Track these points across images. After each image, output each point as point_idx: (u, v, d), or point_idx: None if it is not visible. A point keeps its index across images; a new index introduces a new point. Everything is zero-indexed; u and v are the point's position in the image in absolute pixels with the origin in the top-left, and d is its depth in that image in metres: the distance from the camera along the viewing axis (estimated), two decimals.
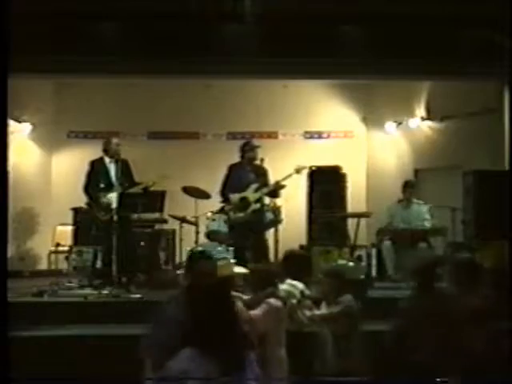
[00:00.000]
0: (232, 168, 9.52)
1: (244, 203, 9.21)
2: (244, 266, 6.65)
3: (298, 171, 9.45)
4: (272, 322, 5.09)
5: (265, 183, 9.29)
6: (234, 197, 9.30)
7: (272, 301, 5.16)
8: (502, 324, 5.12)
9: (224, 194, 9.45)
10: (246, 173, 9.39)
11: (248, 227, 9.23)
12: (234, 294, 5.03)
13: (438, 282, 5.67)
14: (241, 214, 9.22)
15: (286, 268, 5.92)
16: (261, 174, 9.38)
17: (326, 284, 5.65)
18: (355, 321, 5.51)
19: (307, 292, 5.75)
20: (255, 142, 9.85)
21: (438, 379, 4.67)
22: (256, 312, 5.08)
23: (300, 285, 5.68)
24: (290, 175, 9.48)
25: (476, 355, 4.97)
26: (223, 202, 9.43)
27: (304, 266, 6.17)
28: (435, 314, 5.16)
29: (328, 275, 5.72)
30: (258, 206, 9.20)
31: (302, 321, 5.49)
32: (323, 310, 5.53)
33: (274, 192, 9.33)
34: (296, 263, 6.02)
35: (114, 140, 9.37)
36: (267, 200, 9.38)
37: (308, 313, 5.51)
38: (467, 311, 5.13)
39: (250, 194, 9.22)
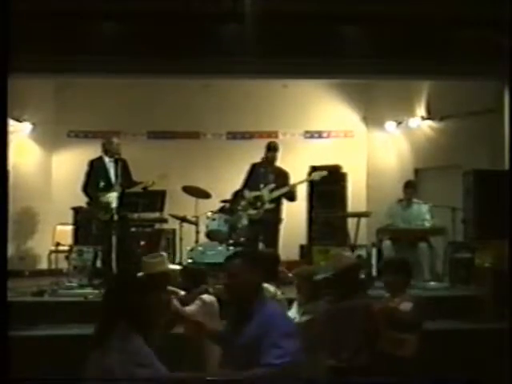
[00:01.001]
0: (255, 166, 9.58)
1: (258, 201, 9.25)
2: None
3: (316, 176, 9.53)
4: (205, 317, 5.24)
5: (283, 185, 9.32)
6: (249, 194, 9.35)
7: (205, 297, 5.43)
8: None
9: (242, 190, 9.58)
10: (267, 173, 9.46)
11: (261, 224, 9.27)
12: (171, 289, 5.44)
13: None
14: (253, 212, 9.25)
15: None
16: (281, 175, 9.45)
17: (296, 286, 5.62)
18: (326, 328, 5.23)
19: (280, 295, 5.71)
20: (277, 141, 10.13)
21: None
22: (190, 308, 5.31)
23: (271, 288, 5.68)
24: (306, 180, 9.62)
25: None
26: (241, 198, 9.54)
27: (272, 267, 6.16)
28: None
29: (298, 276, 5.64)
30: (272, 206, 9.25)
31: None
32: (293, 312, 5.47)
33: (291, 194, 9.37)
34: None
35: (114, 140, 9.39)
36: (284, 202, 9.46)
37: None
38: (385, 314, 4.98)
39: (266, 193, 9.26)
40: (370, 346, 4.80)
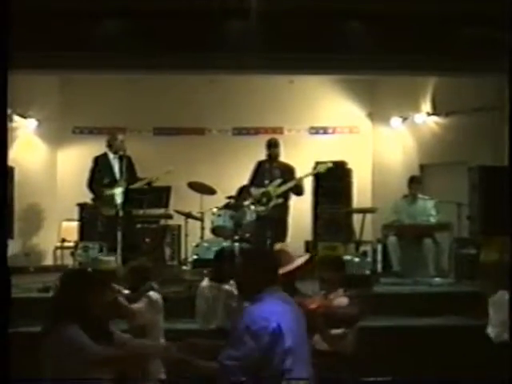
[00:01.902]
0: (260, 164, 9.57)
1: (265, 197, 9.24)
2: None
3: (321, 169, 9.52)
4: (152, 314, 5.42)
5: (289, 180, 9.31)
6: (257, 191, 9.34)
7: (151, 294, 5.50)
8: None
9: (248, 187, 9.56)
10: (272, 169, 9.44)
11: (269, 220, 9.25)
12: (115, 286, 5.50)
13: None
14: (262, 208, 9.25)
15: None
16: (287, 171, 9.43)
17: None
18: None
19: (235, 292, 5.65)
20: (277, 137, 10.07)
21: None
22: (137, 305, 5.38)
23: (226, 286, 5.72)
24: (312, 173, 9.60)
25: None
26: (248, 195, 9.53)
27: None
28: None
29: None
30: (279, 201, 9.23)
31: None
32: None
33: (298, 189, 9.36)
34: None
35: (119, 136, 9.40)
36: (292, 197, 9.44)
37: None
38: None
39: (272, 188, 9.24)
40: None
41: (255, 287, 3.83)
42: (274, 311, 3.69)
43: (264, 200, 9.26)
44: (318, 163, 10.42)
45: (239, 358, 3.56)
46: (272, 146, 9.56)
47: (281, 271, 4.27)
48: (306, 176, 9.63)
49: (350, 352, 5.01)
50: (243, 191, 9.85)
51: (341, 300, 5.09)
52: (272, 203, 9.23)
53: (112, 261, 5.94)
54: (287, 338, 3.61)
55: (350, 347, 5.04)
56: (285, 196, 9.33)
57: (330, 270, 5.31)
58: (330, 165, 9.57)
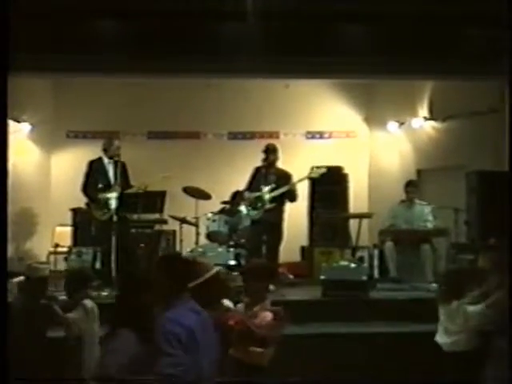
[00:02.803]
0: (257, 170, 9.52)
1: (259, 202, 9.17)
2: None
3: (315, 174, 9.44)
4: (87, 323, 5.46)
5: (284, 186, 9.22)
6: (250, 195, 9.27)
7: (86, 302, 5.53)
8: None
9: (242, 192, 9.57)
10: (268, 174, 9.35)
11: (264, 225, 9.18)
12: (51, 294, 5.60)
13: None
14: (254, 212, 9.18)
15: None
16: (282, 177, 9.33)
17: None
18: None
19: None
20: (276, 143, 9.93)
21: None
22: (72, 315, 5.43)
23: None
24: (305, 178, 9.55)
25: None
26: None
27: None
28: None
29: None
30: (272, 206, 9.14)
31: None
32: None
33: (291, 194, 9.26)
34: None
35: (115, 142, 9.32)
36: (286, 206, 9.36)
37: None
38: None
39: (266, 193, 9.16)
40: (223, 355, 4.37)
41: (165, 294, 3.89)
42: (184, 317, 3.76)
43: (257, 204, 9.18)
44: (313, 168, 10.37)
45: (176, 363, 3.61)
46: (270, 151, 9.43)
47: (191, 284, 4.18)
48: (300, 181, 9.52)
49: (266, 364, 4.76)
50: (237, 196, 9.80)
51: (264, 315, 4.75)
52: (265, 208, 9.14)
53: (47, 268, 6.01)
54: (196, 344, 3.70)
55: (266, 361, 4.77)
56: (279, 201, 9.25)
57: (256, 279, 4.90)
58: (324, 170, 9.47)
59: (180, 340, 3.64)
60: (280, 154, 9.58)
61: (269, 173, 9.38)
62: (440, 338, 5.94)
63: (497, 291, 5.68)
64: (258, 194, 9.22)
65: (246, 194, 9.38)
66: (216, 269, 4.61)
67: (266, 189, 9.19)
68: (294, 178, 9.41)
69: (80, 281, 5.75)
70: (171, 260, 4.33)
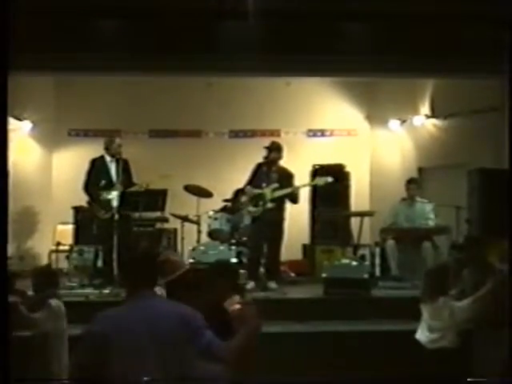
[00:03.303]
0: (259, 166, 9.45)
1: (260, 199, 9.13)
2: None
3: (320, 182, 9.42)
4: (53, 322, 5.44)
5: (286, 186, 9.19)
6: (251, 191, 9.24)
7: (52, 301, 5.48)
8: None
9: (242, 189, 9.52)
10: (270, 172, 9.31)
11: (266, 223, 9.14)
12: (18, 289, 5.57)
13: None
14: (254, 209, 9.15)
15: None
16: (285, 176, 9.29)
17: None
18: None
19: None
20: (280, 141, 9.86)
21: None
22: (37, 314, 5.38)
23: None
24: (309, 184, 9.55)
25: None
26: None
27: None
28: None
29: None
30: (273, 205, 9.11)
31: None
32: None
33: (293, 196, 9.23)
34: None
35: (117, 140, 9.32)
36: (287, 204, 9.33)
37: None
38: None
39: (268, 192, 9.12)
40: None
41: (129, 288, 3.97)
42: (116, 314, 3.87)
43: (258, 202, 9.16)
44: (315, 166, 10.37)
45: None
46: (274, 149, 9.36)
47: (164, 280, 4.35)
48: (303, 186, 9.52)
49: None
50: (239, 194, 9.78)
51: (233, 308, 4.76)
52: (265, 206, 9.10)
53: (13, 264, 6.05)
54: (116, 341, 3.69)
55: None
56: (280, 200, 9.22)
57: (222, 276, 4.95)
58: (330, 179, 9.31)
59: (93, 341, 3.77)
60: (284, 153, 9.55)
61: (271, 171, 9.33)
62: (422, 336, 5.97)
63: (481, 286, 5.75)
64: (259, 191, 9.18)
65: (248, 189, 9.31)
66: (188, 266, 4.73)
67: (269, 188, 9.16)
68: (296, 178, 9.38)
69: (46, 279, 5.72)
70: (138, 258, 4.22)
